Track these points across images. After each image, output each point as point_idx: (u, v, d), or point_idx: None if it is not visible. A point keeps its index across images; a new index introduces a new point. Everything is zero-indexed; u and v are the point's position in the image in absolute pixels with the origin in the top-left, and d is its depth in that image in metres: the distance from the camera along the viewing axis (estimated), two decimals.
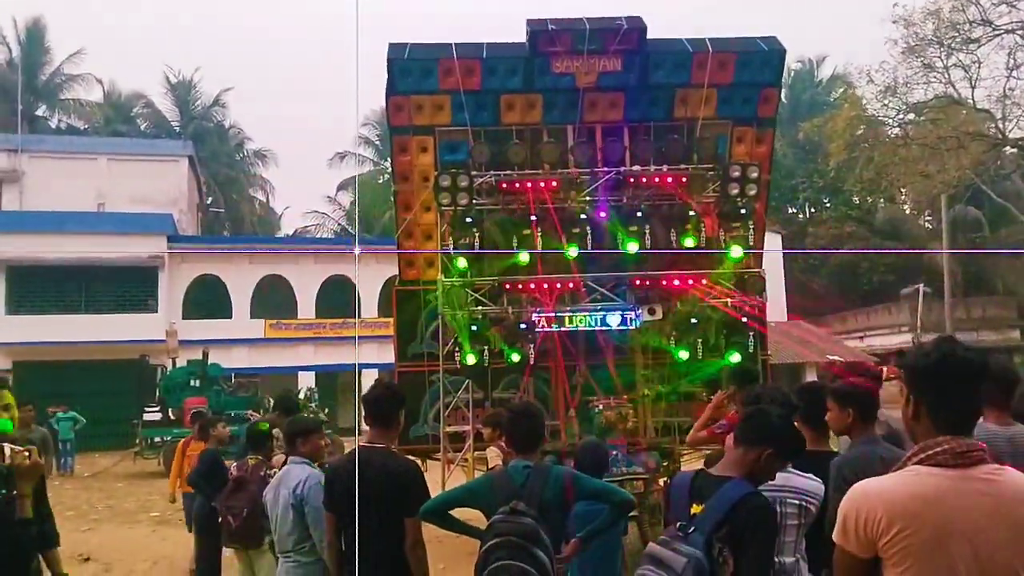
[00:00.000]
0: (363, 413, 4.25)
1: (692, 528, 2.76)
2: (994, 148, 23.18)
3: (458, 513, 3.73)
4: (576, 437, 8.72)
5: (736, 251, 9.10)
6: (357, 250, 10.46)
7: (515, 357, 8.96)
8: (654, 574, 2.71)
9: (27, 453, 3.46)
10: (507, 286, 9.20)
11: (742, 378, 5.79)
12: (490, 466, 7.02)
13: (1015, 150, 24.25)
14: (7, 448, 3.44)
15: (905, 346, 27.11)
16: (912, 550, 2.03)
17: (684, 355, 9.10)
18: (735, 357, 8.95)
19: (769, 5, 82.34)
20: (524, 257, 9.03)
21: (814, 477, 3.49)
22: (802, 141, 38.56)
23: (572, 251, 9.00)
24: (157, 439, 18.87)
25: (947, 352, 2.16)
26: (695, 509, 2.82)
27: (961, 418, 2.14)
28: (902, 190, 28.51)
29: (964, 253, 29.03)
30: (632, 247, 9.11)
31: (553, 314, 8.97)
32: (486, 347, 9.22)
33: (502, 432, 7.37)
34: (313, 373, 28.62)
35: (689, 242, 9.30)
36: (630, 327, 9.17)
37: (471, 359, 9.01)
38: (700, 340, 9.20)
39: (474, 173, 9.23)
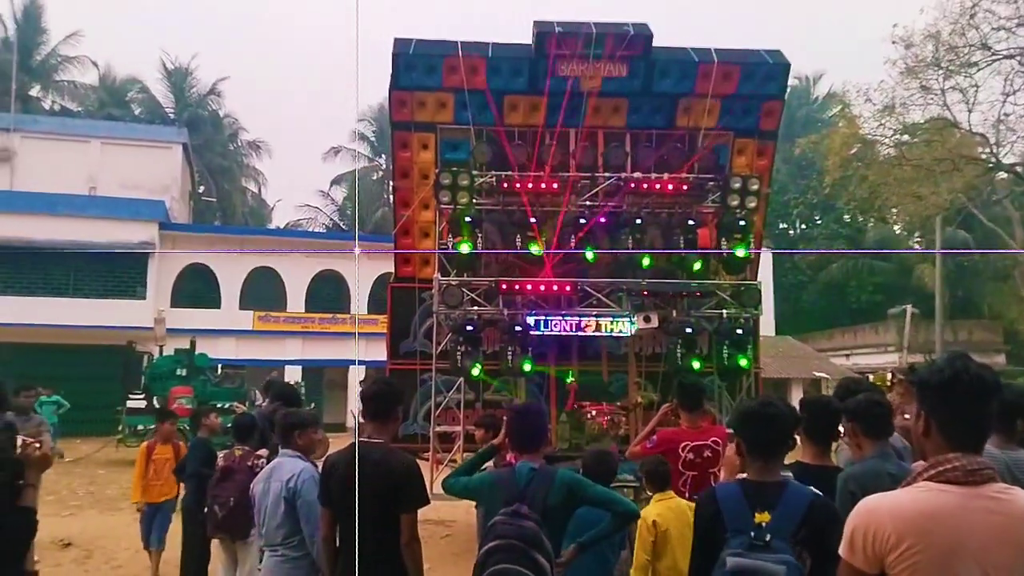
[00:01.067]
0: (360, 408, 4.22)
1: (768, 536, 2.71)
2: (987, 172, 23.33)
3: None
4: (567, 442, 8.69)
5: (740, 251, 9.09)
6: (357, 250, 10.34)
7: (527, 367, 8.84)
8: None
9: (38, 444, 3.46)
10: (503, 287, 9.16)
11: (686, 392, 5.70)
12: (481, 468, 6.99)
13: (1008, 175, 24.41)
14: (20, 439, 3.45)
15: (892, 365, 27.23)
16: (920, 567, 2.00)
17: (696, 365, 8.97)
18: (744, 362, 8.92)
19: (767, 21, 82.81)
20: (534, 250, 8.92)
21: (816, 491, 3.48)
22: (797, 157, 38.73)
23: (589, 254, 8.95)
24: (140, 427, 18.67)
25: (960, 368, 2.14)
26: (760, 517, 2.76)
27: (972, 435, 2.13)
28: (893, 210, 28.63)
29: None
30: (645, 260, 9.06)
31: (548, 317, 8.95)
32: (480, 348, 9.16)
33: (495, 434, 7.37)
34: (300, 367, 28.49)
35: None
36: (624, 334, 9.15)
37: (476, 371, 8.89)
38: (697, 350, 9.17)
39: (475, 172, 9.20)
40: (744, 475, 3.01)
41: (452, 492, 3.91)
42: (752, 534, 2.72)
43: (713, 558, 2.81)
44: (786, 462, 3.67)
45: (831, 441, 4.02)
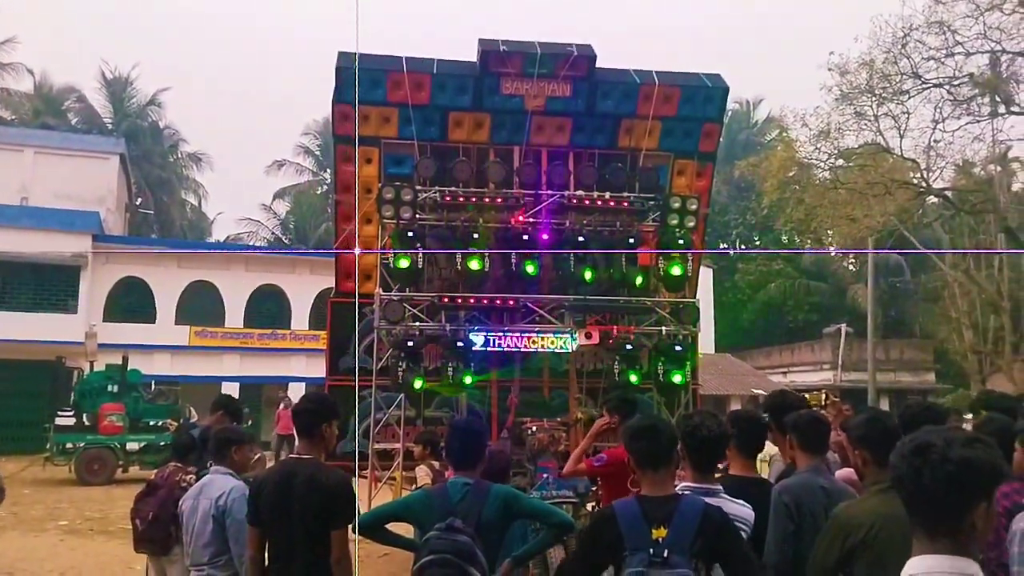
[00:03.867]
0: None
1: (665, 552, 2.78)
2: (918, 196, 24.02)
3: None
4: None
5: (676, 270, 9.25)
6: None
7: (467, 379, 8.83)
8: None
9: None
10: (445, 302, 9.13)
11: (622, 407, 5.72)
12: (419, 485, 6.94)
13: (938, 199, 25.22)
14: None
15: (826, 383, 27.87)
16: None
17: (634, 378, 9.09)
18: (677, 378, 9.04)
19: (709, 46, 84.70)
20: (474, 265, 8.93)
21: (744, 503, 3.54)
22: (736, 179, 39.52)
23: (530, 268, 9.00)
24: (69, 445, 18.10)
25: None
26: (657, 533, 2.84)
27: None
28: (829, 232, 29.35)
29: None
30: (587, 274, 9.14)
31: (490, 333, 8.95)
32: (420, 364, 9.09)
33: (433, 450, 7.32)
34: (237, 384, 27.91)
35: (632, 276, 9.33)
36: (566, 350, 9.20)
37: (418, 384, 8.82)
38: (636, 366, 9.26)
39: (418, 188, 9.18)
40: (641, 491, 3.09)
41: (366, 528, 3.65)
42: (651, 550, 2.80)
43: (594, 569, 2.93)
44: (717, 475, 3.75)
45: (757, 454, 4.14)
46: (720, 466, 4.07)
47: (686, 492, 3.19)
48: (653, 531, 2.85)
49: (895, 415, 3.79)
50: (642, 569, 2.78)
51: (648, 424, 3.14)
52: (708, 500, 3.27)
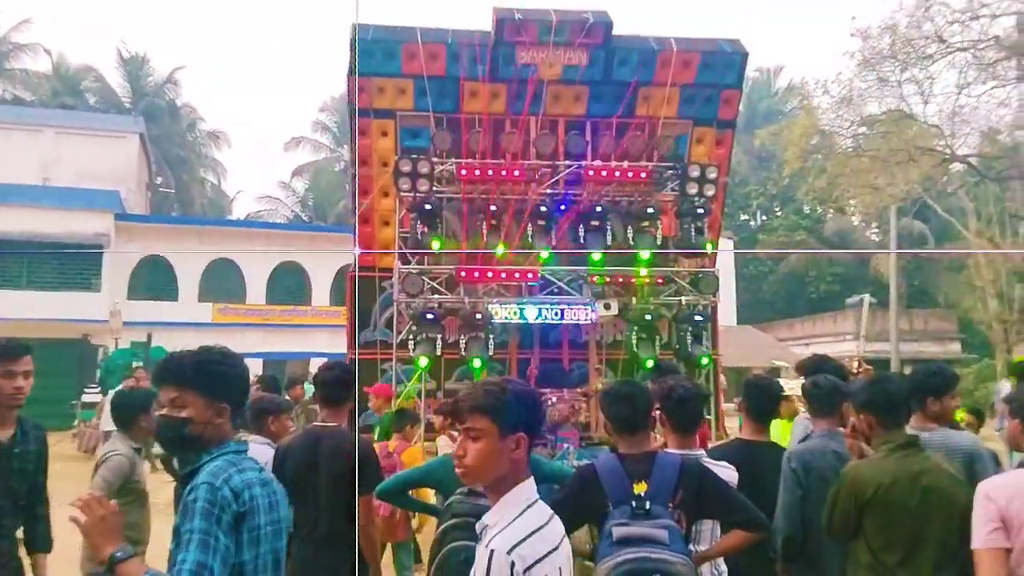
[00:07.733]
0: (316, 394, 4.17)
1: (647, 504, 2.87)
2: (942, 164, 23.69)
3: None
4: None
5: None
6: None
7: (476, 363, 8.81)
8: (645, 552, 2.76)
9: None
10: (463, 275, 9.11)
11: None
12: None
13: (962, 167, 24.85)
14: None
15: (849, 354, 27.69)
16: None
17: (649, 363, 9.05)
18: (705, 360, 9.02)
19: (729, 13, 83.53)
20: (500, 251, 8.89)
21: (728, 464, 3.57)
22: (757, 149, 39.10)
23: (544, 253, 8.95)
24: (95, 421, 18.36)
25: None
26: (638, 487, 2.93)
27: None
28: (851, 201, 29.04)
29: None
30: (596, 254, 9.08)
31: (509, 305, 8.93)
32: (439, 337, 9.09)
33: (454, 422, 7.35)
34: (261, 360, 28.14)
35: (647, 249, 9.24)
36: (585, 321, 9.17)
37: (424, 361, 8.82)
38: (656, 337, 9.22)
39: (435, 160, 9.13)
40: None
41: (388, 494, 3.84)
42: (633, 504, 2.89)
43: (573, 523, 2.96)
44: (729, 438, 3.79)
45: (769, 420, 4.17)
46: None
47: (656, 450, 3.26)
48: (634, 486, 2.94)
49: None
50: (625, 521, 2.86)
51: (626, 391, 3.21)
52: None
